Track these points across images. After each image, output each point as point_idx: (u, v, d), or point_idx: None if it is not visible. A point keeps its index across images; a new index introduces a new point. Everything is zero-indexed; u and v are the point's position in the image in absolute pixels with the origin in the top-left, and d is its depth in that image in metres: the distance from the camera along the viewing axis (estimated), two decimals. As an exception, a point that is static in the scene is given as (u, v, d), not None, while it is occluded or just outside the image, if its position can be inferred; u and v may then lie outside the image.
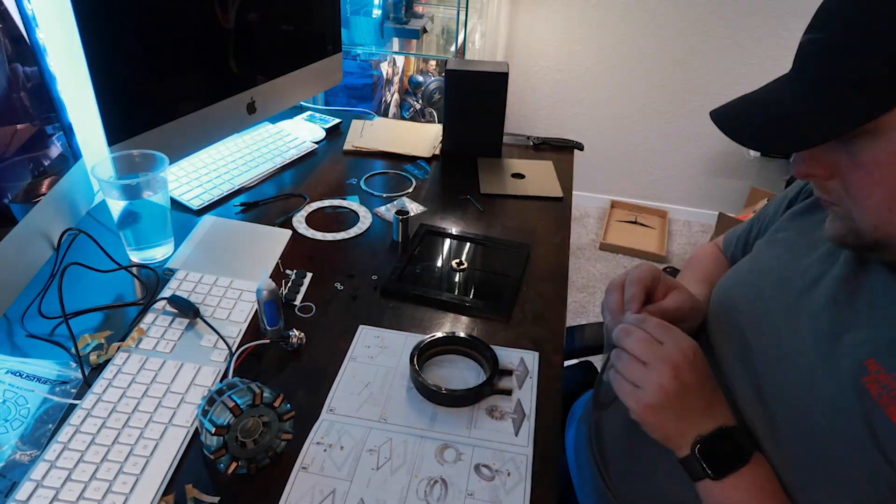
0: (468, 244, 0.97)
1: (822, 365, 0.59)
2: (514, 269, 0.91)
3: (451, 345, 0.76)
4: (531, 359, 0.76)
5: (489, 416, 0.68)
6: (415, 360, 0.72)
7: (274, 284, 0.72)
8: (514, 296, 0.86)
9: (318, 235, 0.92)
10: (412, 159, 1.22)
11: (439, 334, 0.76)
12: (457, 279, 0.89)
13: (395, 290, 0.85)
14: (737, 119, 0.57)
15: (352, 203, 1.00)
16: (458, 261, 0.92)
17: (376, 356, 0.75)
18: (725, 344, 0.70)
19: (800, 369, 0.61)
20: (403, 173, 1.17)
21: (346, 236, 0.92)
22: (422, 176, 1.17)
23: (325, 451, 0.63)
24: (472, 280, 0.89)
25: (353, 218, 1.00)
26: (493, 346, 0.74)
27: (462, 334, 0.76)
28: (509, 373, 0.73)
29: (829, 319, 0.60)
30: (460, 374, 0.74)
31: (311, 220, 0.98)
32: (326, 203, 1.01)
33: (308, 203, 1.02)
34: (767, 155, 2.33)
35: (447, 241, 0.97)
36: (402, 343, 0.77)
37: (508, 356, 0.76)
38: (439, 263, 0.93)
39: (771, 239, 0.73)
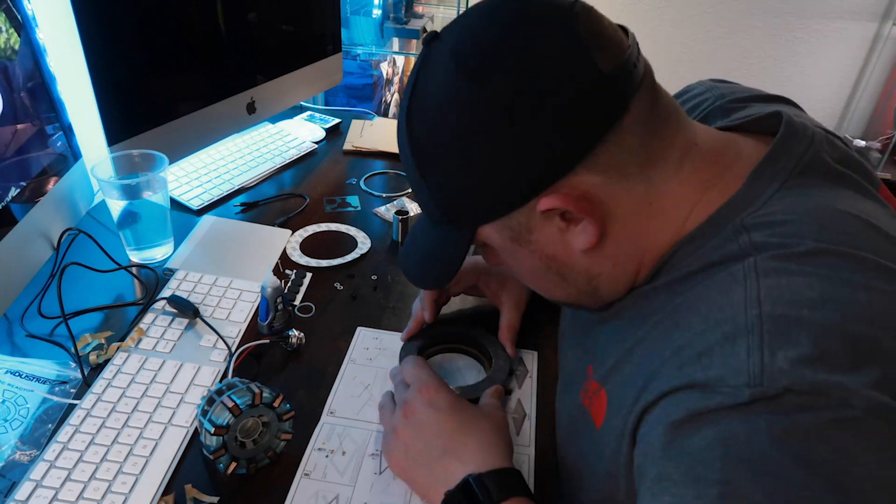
0: None
1: (573, 376, 0.63)
2: None
3: (452, 343, 0.76)
4: (531, 358, 0.76)
5: None
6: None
7: (279, 282, 0.73)
8: None
9: (314, 262, 0.90)
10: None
11: (442, 332, 0.76)
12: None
13: None
14: (404, 265, 0.62)
15: (349, 228, 0.98)
16: None
17: (375, 358, 0.75)
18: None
19: (564, 376, 0.68)
20: (403, 173, 1.17)
21: (343, 262, 0.91)
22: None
23: (326, 457, 0.63)
24: None
25: (351, 242, 0.97)
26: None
27: (467, 333, 0.76)
28: (510, 372, 0.73)
29: (586, 322, 0.64)
30: (459, 372, 0.74)
31: (306, 246, 0.94)
32: (323, 227, 0.98)
33: (302, 227, 0.98)
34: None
35: None
36: (401, 344, 0.77)
37: None
38: None
39: None
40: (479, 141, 0.47)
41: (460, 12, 1.77)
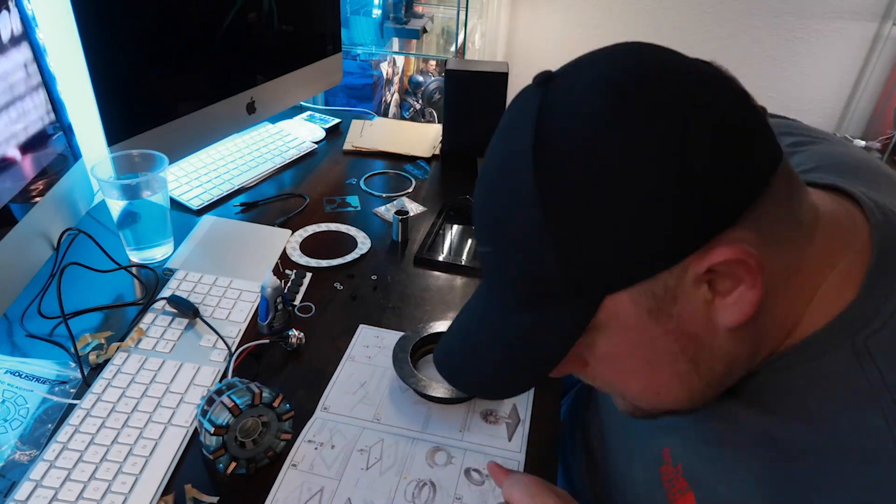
0: None
1: (637, 446, 0.58)
2: None
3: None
4: None
5: (483, 421, 0.68)
6: (409, 356, 0.72)
7: (279, 282, 0.73)
8: None
9: (314, 262, 0.90)
10: (412, 159, 1.22)
11: (435, 330, 0.76)
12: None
13: (426, 259, 0.92)
14: (459, 372, 0.50)
15: (349, 228, 0.98)
16: None
17: (374, 356, 0.75)
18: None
19: (624, 447, 0.62)
20: (403, 173, 1.17)
21: (343, 262, 0.90)
22: (422, 176, 1.17)
23: (315, 449, 0.63)
24: None
25: (351, 242, 0.96)
26: None
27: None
28: None
29: None
30: None
31: (306, 246, 0.94)
32: (323, 227, 0.98)
33: (302, 228, 0.98)
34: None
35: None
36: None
37: None
38: (467, 237, 1.00)
39: None
40: (641, 178, 0.38)
41: (460, 12, 1.77)
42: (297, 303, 0.83)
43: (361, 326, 0.80)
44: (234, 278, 0.85)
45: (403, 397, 0.70)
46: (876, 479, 0.38)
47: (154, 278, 0.85)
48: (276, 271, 0.88)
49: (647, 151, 0.38)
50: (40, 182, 0.81)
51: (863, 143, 2.35)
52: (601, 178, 0.39)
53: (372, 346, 0.77)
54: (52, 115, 0.84)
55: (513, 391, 0.50)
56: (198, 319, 0.77)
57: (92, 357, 0.72)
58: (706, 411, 0.49)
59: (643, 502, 0.56)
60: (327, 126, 1.32)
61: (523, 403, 0.70)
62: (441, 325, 0.77)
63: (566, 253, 0.41)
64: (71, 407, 0.66)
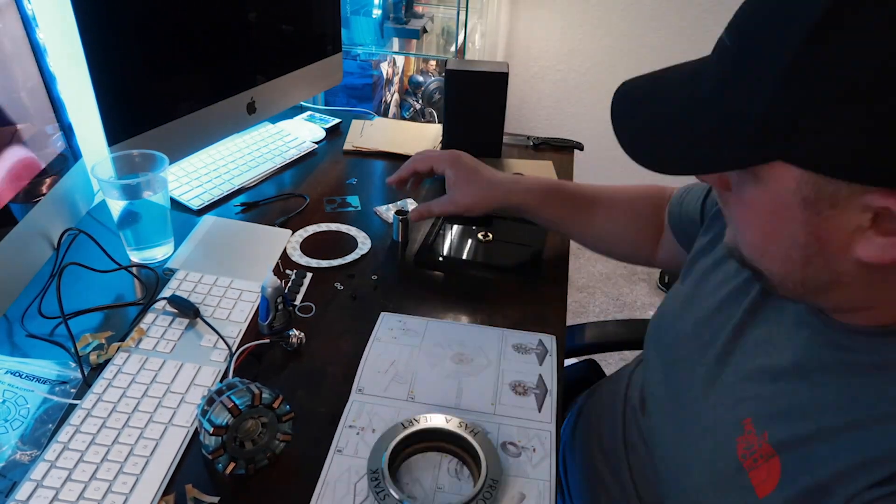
0: (491, 220, 1.03)
1: (706, 416, 0.59)
2: (536, 239, 0.98)
3: (427, 441, 0.64)
4: (549, 340, 0.78)
5: (513, 392, 0.70)
6: (385, 468, 0.59)
7: (279, 282, 0.73)
8: (540, 258, 0.95)
9: (314, 263, 0.90)
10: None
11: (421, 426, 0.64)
12: (483, 249, 0.97)
13: (426, 260, 0.92)
14: (637, 130, 0.54)
15: (349, 228, 0.98)
16: (483, 233, 0.99)
17: (399, 337, 0.77)
18: (655, 374, 0.71)
19: (689, 417, 0.61)
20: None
21: (343, 262, 0.90)
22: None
23: (357, 434, 0.65)
24: (497, 249, 0.97)
25: (351, 242, 0.96)
26: (506, 334, 0.74)
27: (451, 431, 0.63)
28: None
29: (720, 371, 0.59)
30: (438, 472, 0.63)
31: (306, 246, 0.94)
32: (323, 227, 0.98)
33: (303, 227, 0.97)
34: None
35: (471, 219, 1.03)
36: (423, 326, 0.79)
37: (525, 338, 0.77)
38: (467, 237, 1.00)
39: (702, 270, 0.70)
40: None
41: (460, 12, 1.77)
42: (297, 303, 0.83)
43: (383, 314, 0.81)
44: (235, 278, 0.85)
45: (433, 372, 0.72)
46: None
47: (154, 278, 0.85)
48: (277, 271, 0.88)
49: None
50: (40, 182, 0.81)
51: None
52: (862, 70, 0.37)
53: (396, 329, 0.79)
54: (52, 115, 0.84)
55: (683, 167, 0.49)
56: (198, 319, 0.77)
57: (92, 357, 0.72)
58: (796, 380, 0.51)
59: (706, 480, 0.56)
60: (327, 126, 1.32)
61: (549, 374, 0.73)
62: (429, 420, 0.64)
63: (784, 100, 0.40)
64: (71, 407, 0.66)
